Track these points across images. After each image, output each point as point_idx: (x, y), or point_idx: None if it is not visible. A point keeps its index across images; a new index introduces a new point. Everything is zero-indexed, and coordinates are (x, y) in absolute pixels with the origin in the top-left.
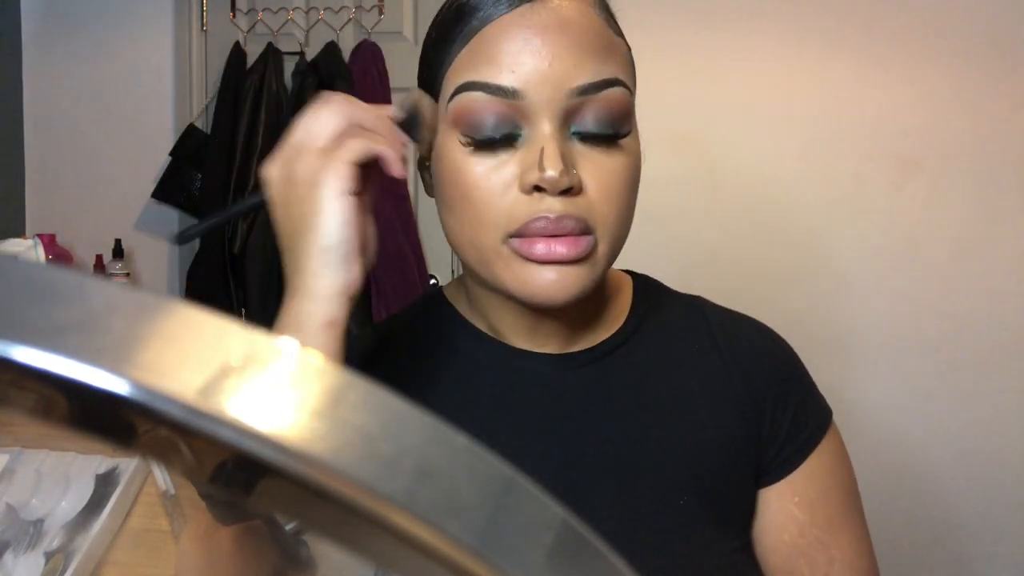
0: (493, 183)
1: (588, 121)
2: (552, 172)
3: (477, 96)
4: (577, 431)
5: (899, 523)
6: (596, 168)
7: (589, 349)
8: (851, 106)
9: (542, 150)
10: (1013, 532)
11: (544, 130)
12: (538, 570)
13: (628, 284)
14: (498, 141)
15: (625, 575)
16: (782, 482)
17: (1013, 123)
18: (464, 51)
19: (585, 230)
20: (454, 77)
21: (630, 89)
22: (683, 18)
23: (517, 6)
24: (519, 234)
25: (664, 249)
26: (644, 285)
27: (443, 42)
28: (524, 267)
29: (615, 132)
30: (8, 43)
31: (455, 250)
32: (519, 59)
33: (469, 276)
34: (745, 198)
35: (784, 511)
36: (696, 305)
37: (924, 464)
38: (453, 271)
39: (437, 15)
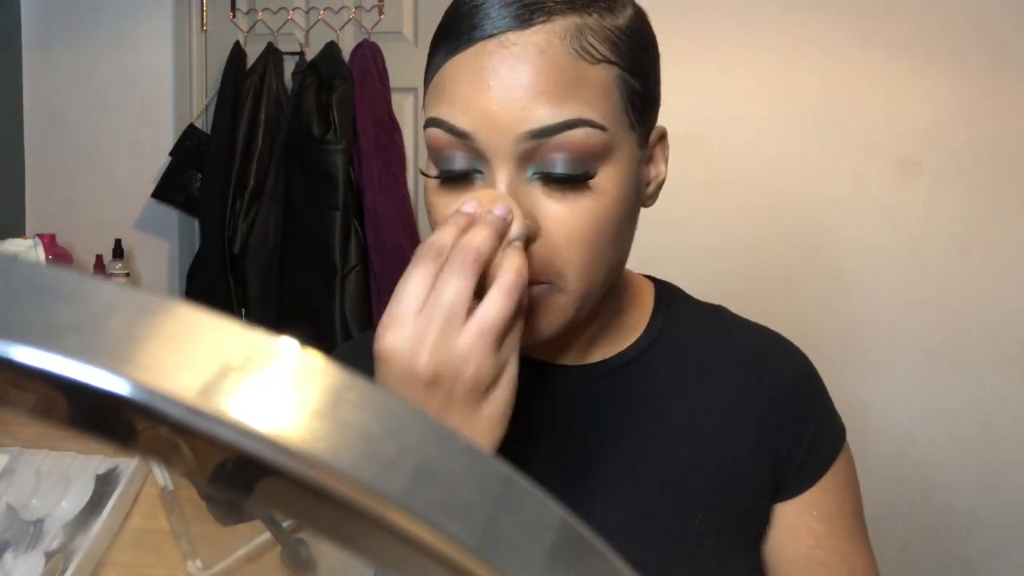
0: None
1: (547, 163)
2: None
3: (438, 132)
4: (590, 444)
5: (899, 523)
6: (559, 211)
7: (604, 361)
8: (851, 106)
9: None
10: (1017, 532)
11: (496, 174)
12: (538, 570)
13: (650, 292)
14: (459, 178)
15: (625, 575)
16: (799, 497)
17: (1013, 123)
18: (431, 85)
19: (534, 280)
20: (427, 108)
21: (599, 125)
22: (682, 20)
23: (473, 44)
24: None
25: (663, 251)
26: (665, 294)
27: (426, 70)
28: None
29: (580, 173)
30: (8, 43)
31: None
32: (469, 102)
33: None
34: (745, 199)
35: (802, 524)
36: (717, 317)
37: (924, 462)
38: None
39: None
